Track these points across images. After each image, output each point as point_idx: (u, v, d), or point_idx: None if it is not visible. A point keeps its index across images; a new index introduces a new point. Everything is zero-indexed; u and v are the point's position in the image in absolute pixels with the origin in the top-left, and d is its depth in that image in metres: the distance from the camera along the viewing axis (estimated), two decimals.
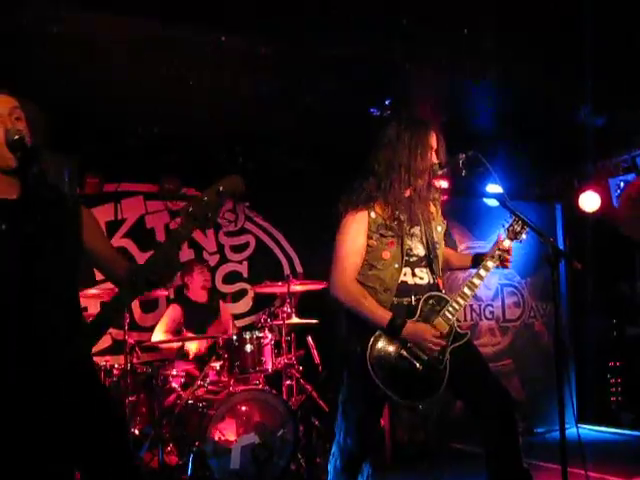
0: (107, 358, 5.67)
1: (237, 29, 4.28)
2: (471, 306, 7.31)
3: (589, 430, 7.36)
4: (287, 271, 7.05)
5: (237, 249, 7.06)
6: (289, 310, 5.83)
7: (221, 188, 2.35)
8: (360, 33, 4.37)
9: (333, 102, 5.50)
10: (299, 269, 7.13)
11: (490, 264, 3.41)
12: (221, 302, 6.62)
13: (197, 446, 4.95)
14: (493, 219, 6.80)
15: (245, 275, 7.07)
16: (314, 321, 5.94)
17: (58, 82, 4.77)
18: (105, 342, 6.18)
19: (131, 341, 5.47)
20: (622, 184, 7.00)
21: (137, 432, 5.36)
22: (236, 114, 5.75)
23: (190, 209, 2.33)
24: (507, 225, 3.47)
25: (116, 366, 5.46)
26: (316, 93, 5.36)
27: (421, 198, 3.43)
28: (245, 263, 7.09)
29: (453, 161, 3.45)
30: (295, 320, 5.84)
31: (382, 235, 3.33)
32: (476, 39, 4.59)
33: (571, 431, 4.16)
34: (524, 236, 3.46)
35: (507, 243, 3.44)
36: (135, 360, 5.57)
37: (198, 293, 6.33)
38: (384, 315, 3.22)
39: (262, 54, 4.59)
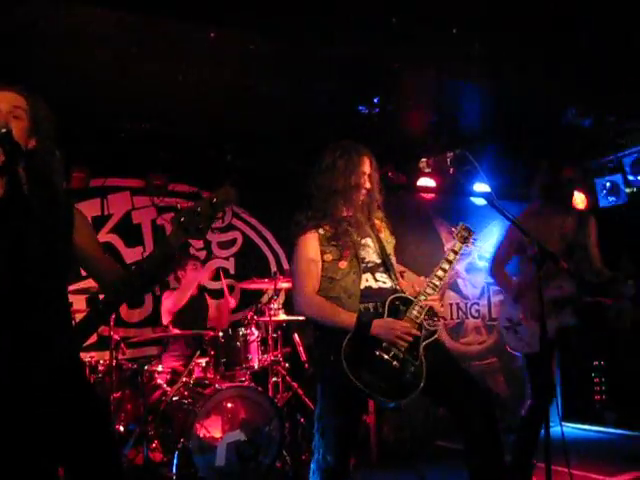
0: (92, 354, 5.63)
1: (227, 25, 4.26)
2: (457, 304, 7.34)
3: (573, 429, 7.40)
4: (274, 268, 7.05)
5: (224, 245, 7.04)
6: (276, 307, 5.83)
7: (215, 200, 2.31)
8: (350, 33, 4.37)
9: (323, 102, 5.50)
10: (286, 266, 7.12)
11: (446, 266, 3.50)
12: (207, 297, 6.61)
13: (182, 443, 4.94)
14: (480, 218, 6.84)
15: (232, 272, 7.05)
16: (301, 318, 5.92)
17: (45, 77, 4.73)
18: (90, 338, 6.13)
19: (116, 337, 5.45)
20: (608, 184, 7.03)
21: (122, 429, 5.34)
22: (226, 112, 5.73)
23: (182, 219, 2.28)
24: (455, 232, 3.61)
25: (101, 362, 5.44)
26: (306, 92, 5.36)
27: (357, 217, 3.58)
28: (232, 259, 7.07)
29: (441, 159, 3.49)
30: (282, 317, 5.83)
31: (335, 246, 3.43)
32: (465, 40, 4.60)
33: (555, 429, 4.18)
34: (472, 241, 3.60)
35: (458, 247, 3.57)
36: (120, 356, 5.55)
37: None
38: (350, 318, 3.28)
39: (253, 52, 4.57)
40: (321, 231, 3.46)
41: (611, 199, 7.05)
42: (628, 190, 6.98)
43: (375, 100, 5.39)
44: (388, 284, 3.50)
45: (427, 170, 6.09)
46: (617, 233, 7.51)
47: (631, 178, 6.86)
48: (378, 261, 3.53)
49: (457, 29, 4.55)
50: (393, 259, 3.64)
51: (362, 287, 3.42)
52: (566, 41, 4.70)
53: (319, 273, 3.43)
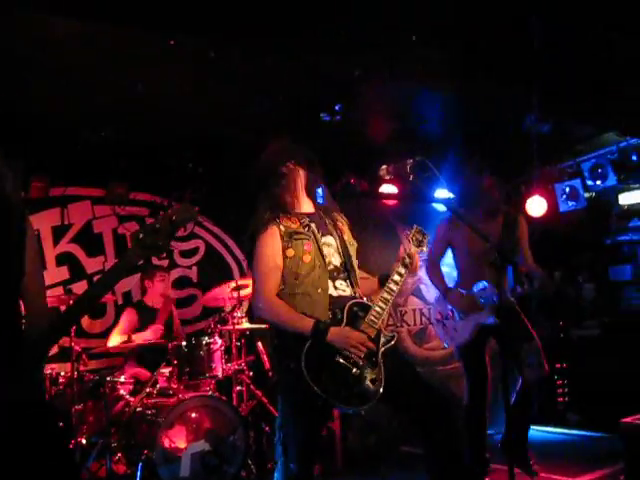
0: (53, 366, 5.58)
1: (186, 33, 4.24)
2: (420, 310, 7.37)
3: (536, 431, 7.46)
4: (237, 276, 7.02)
5: (186, 254, 7.01)
6: (239, 315, 5.80)
7: (174, 217, 2.30)
8: (311, 40, 4.37)
9: (285, 109, 5.49)
10: (249, 274, 7.09)
11: (402, 270, 3.52)
12: (173, 308, 6.56)
13: (146, 454, 4.90)
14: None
15: (195, 280, 7.01)
16: (264, 326, 5.91)
17: (4, 83, 4.68)
18: (51, 349, 6.05)
19: (78, 348, 5.38)
20: (568, 189, 7.13)
21: (84, 441, 5.26)
22: (187, 120, 5.70)
23: (140, 236, 2.27)
24: (410, 235, 3.64)
25: (62, 374, 5.37)
26: (268, 99, 5.35)
27: (326, 215, 3.62)
28: (195, 268, 7.03)
29: (402, 166, 3.52)
30: (245, 325, 5.81)
31: (296, 240, 3.41)
32: (425, 46, 4.63)
33: None
34: (425, 245, 3.64)
35: (412, 250, 3.58)
36: (82, 368, 5.48)
37: (156, 299, 6.28)
38: (306, 323, 3.26)
39: (213, 59, 4.55)
40: (282, 227, 3.43)
41: (571, 204, 7.14)
42: (587, 195, 7.08)
43: (337, 107, 5.40)
44: (348, 292, 3.49)
45: (388, 177, 6.12)
46: (576, 237, 7.65)
47: (590, 183, 6.96)
48: (338, 263, 3.51)
49: (417, 36, 4.58)
50: (355, 262, 3.63)
51: (327, 285, 3.41)
52: (525, 48, 4.75)
53: (280, 273, 3.40)
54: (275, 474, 3.43)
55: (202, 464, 4.95)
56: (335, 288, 3.46)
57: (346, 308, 3.38)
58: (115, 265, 2.37)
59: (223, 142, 6.30)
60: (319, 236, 3.48)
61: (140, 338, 5.80)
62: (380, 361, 3.33)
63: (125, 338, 5.89)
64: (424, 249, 3.63)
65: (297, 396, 3.30)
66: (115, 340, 5.95)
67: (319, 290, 3.37)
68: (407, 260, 3.53)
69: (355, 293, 3.52)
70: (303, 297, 3.36)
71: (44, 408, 2.47)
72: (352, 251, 3.64)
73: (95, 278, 6.30)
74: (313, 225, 3.50)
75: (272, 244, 3.40)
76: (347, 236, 3.67)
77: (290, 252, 3.40)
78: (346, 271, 3.53)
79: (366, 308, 3.41)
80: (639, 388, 6.35)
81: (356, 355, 3.26)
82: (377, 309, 3.38)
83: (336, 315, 3.38)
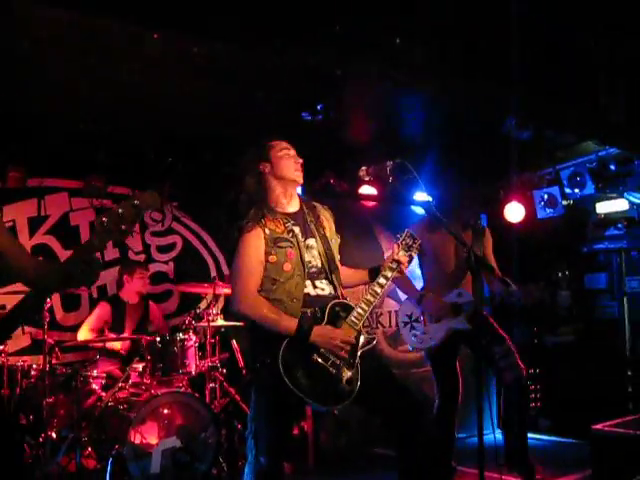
0: (25, 358, 5.53)
1: (170, 27, 4.21)
2: (396, 312, 7.38)
3: None
4: (213, 273, 7.00)
5: (163, 249, 6.97)
6: (214, 312, 5.79)
7: (136, 202, 2.38)
8: (294, 40, 4.36)
9: (266, 107, 5.48)
10: (226, 271, 7.08)
11: (389, 273, 3.53)
12: (150, 302, 6.53)
13: (116, 450, 4.87)
14: None
15: (171, 276, 6.98)
16: (239, 324, 5.91)
17: None
18: (24, 342, 6.02)
19: (51, 341, 5.34)
20: (546, 196, 7.18)
21: (54, 435, 5.21)
22: (166, 115, 5.67)
23: (104, 221, 2.34)
24: (400, 239, 3.65)
25: (34, 367, 5.34)
26: (249, 97, 5.34)
27: (310, 211, 3.62)
28: (171, 264, 7.00)
29: (381, 167, 3.52)
30: (220, 322, 5.80)
31: (280, 247, 3.40)
32: (408, 49, 4.64)
33: (490, 437, 4.25)
34: (415, 250, 3.64)
35: (401, 254, 3.59)
36: (55, 361, 5.44)
37: (132, 295, 6.25)
38: (290, 323, 3.27)
39: (195, 55, 4.53)
40: (267, 231, 3.41)
41: (549, 211, 7.20)
42: (565, 202, 7.13)
43: (318, 107, 5.39)
44: (327, 291, 3.49)
45: (367, 178, 6.13)
46: (553, 244, 7.70)
47: (568, 191, 7.01)
48: (320, 265, 3.51)
49: (400, 38, 4.59)
50: (337, 260, 3.62)
51: (303, 293, 3.41)
52: (507, 53, 4.78)
53: (261, 274, 3.39)
54: (245, 468, 3.43)
55: (173, 461, 4.93)
56: (314, 287, 3.46)
57: (328, 307, 3.38)
58: (79, 248, 2.42)
59: (203, 138, 6.27)
60: (302, 242, 3.47)
61: (103, 343, 5.84)
62: (357, 362, 3.34)
63: (93, 335, 5.87)
64: (413, 254, 3.63)
65: (271, 391, 3.30)
66: (84, 334, 5.92)
67: (293, 300, 3.37)
68: (394, 264, 3.54)
69: (336, 292, 3.51)
70: (276, 303, 3.36)
71: None
72: (334, 247, 3.63)
73: None
74: (297, 229, 3.49)
75: (256, 245, 3.39)
76: (329, 233, 3.66)
77: (272, 258, 3.39)
78: (328, 272, 3.52)
79: (348, 308, 3.42)
80: (610, 395, 6.42)
81: (337, 355, 3.27)
82: (359, 310, 3.39)
83: (315, 314, 3.38)
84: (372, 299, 3.43)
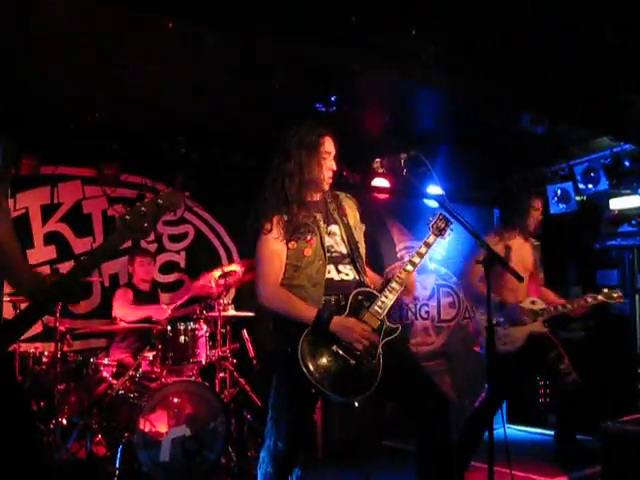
0: (37, 345, 5.56)
1: (185, 15, 4.21)
2: (407, 305, 7.38)
3: (518, 431, 7.51)
4: (225, 263, 7.00)
5: (175, 239, 6.98)
6: (225, 302, 5.79)
7: (160, 201, 2.41)
8: (309, 32, 4.35)
9: (279, 98, 5.47)
10: (238, 261, 7.09)
11: (416, 259, 3.45)
12: (159, 291, 6.55)
13: (126, 437, 4.89)
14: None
15: (182, 265, 6.99)
16: (250, 314, 5.92)
17: None
18: (36, 328, 6.04)
19: (62, 328, 5.36)
20: (559, 191, 7.14)
21: (65, 422, 5.25)
22: (181, 105, 5.67)
23: (127, 218, 2.36)
24: (432, 222, 3.54)
25: (46, 353, 5.37)
26: (263, 89, 5.33)
27: (332, 200, 3.56)
28: (183, 253, 7.01)
29: (395, 160, 3.49)
30: (231, 312, 5.81)
31: (300, 234, 3.37)
32: (423, 42, 4.62)
33: (499, 431, 4.25)
34: (448, 232, 3.54)
35: (432, 239, 3.52)
36: (66, 348, 5.46)
37: (140, 283, 6.27)
38: (310, 313, 3.24)
39: (209, 45, 4.52)
40: (286, 217, 3.38)
41: (561, 206, 7.16)
42: (578, 198, 7.10)
43: (332, 98, 5.38)
44: (351, 276, 3.45)
45: (380, 170, 6.12)
46: (566, 240, 7.68)
47: (582, 186, 6.97)
48: (344, 251, 3.47)
49: (416, 31, 4.57)
50: (362, 248, 3.58)
51: (324, 278, 3.37)
52: (523, 49, 4.75)
53: (283, 262, 3.37)
54: (261, 452, 3.46)
55: (182, 449, 4.95)
56: (338, 272, 3.43)
57: (351, 296, 3.34)
58: (101, 245, 2.41)
59: (217, 130, 6.27)
60: (324, 228, 3.44)
61: (144, 313, 5.84)
62: (379, 353, 3.29)
63: (129, 310, 5.90)
64: (445, 237, 3.55)
65: (291, 380, 3.30)
66: (121, 311, 5.92)
67: (315, 285, 3.34)
68: (423, 249, 3.48)
69: (360, 278, 3.47)
70: (298, 289, 3.33)
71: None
72: (358, 236, 3.59)
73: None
74: (319, 216, 3.46)
75: (276, 233, 3.37)
76: (353, 221, 3.61)
77: (293, 244, 3.37)
78: (351, 258, 3.48)
79: (372, 297, 3.37)
80: (620, 392, 6.40)
81: (357, 346, 3.24)
82: (383, 299, 3.34)
83: (339, 302, 3.35)
84: (397, 287, 3.37)
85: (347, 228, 3.53)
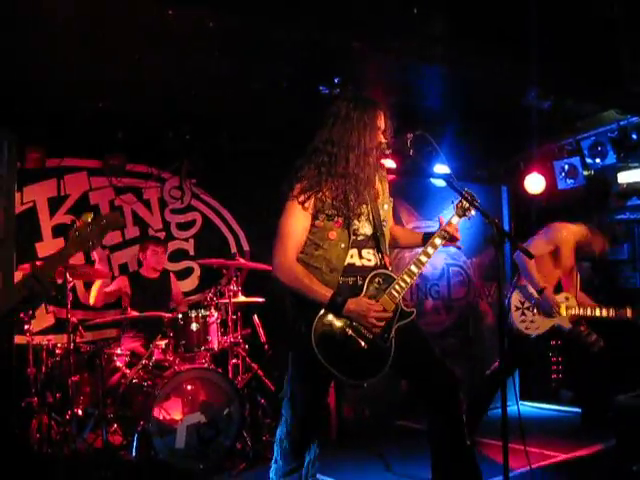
0: (49, 337, 5.58)
1: (186, 3, 4.19)
2: (417, 285, 7.38)
3: (531, 407, 7.51)
4: (234, 249, 7.01)
5: (183, 226, 6.98)
6: (235, 288, 5.80)
7: (103, 222, 2.88)
8: (311, 14, 4.32)
9: (283, 82, 5.45)
10: (246, 247, 7.10)
11: (438, 241, 3.41)
12: (172, 278, 6.56)
13: (142, 426, 4.92)
14: (440, 199, 6.88)
15: (191, 253, 7.00)
16: (260, 299, 5.93)
17: (1, 52, 4.63)
18: (48, 321, 6.08)
19: (74, 320, 5.38)
20: (567, 166, 7.11)
21: (80, 412, 5.29)
22: (184, 92, 5.65)
23: (77, 234, 2.78)
24: (456, 201, 3.48)
25: (59, 345, 5.38)
26: (266, 73, 5.30)
27: (369, 177, 3.39)
28: (191, 241, 7.01)
29: (401, 140, 3.46)
30: (241, 298, 5.82)
31: (329, 215, 3.29)
32: (426, 21, 4.59)
33: (513, 408, 4.24)
34: (472, 212, 3.47)
35: (455, 220, 3.46)
36: (78, 339, 5.49)
37: (150, 271, 6.28)
38: (325, 293, 3.19)
39: (213, 31, 4.49)
40: (319, 195, 3.28)
41: (569, 181, 7.13)
42: (586, 173, 7.06)
43: (336, 80, 5.35)
44: (373, 261, 3.39)
45: (387, 151, 6.09)
46: (574, 215, 7.63)
47: (589, 161, 6.94)
48: (369, 232, 3.39)
49: (418, 9, 4.53)
50: (387, 227, 3.50)
51: (345, 263, 3.31)
52: (527, 24, 4.71)
53: (304, 238, 3.31)
54: (278, 431, 3.47)
55: (197, 436, 4.97)
56: (360, 257, 3.37)
57: (368, 277, 3.29)
58: (53, 255, 2.88)
59: (221, 116, 6.26)
60: (354, 208, 3.31)
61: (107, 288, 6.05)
62: (392, 336, 3.27)
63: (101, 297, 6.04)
64: (469, 216, 3.49)
65: (304, 359, 3.28)
66: (93, 296, 6.05)
67: (332, 271, 3.28)
68: (445, 233, 3.43)
69: (381, 262, 3.42)
70: (315, 271, 3.27)
71: None
72: (385, 215, 3.49)
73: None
74: (352, 197, 3.30)
75: (303, 209, 3.28)
76: (382, 196, 3.52)
77: (320, 223, 3.29)
78: (375, 239, 3.41)
79: (389, 280, 3.32)
80: (632, 366, 6.38)
81: (370, 329, 3.22)
82: (401, 282, 3.30)
83: (356, 282, 3.31)
84: (416, 270, 3.31)
85: (375, 207, 3.44)
